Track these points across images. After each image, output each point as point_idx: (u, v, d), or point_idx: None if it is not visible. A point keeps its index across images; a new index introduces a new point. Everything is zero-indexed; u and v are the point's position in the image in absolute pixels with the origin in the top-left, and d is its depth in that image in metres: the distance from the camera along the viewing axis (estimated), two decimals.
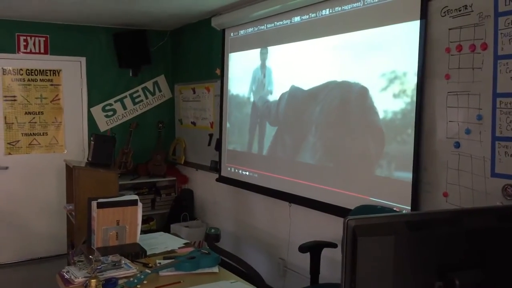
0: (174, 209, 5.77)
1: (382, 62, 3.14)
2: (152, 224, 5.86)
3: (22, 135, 5.39)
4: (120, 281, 2.49)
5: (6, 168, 5.31)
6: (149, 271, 2.56)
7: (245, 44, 4.57)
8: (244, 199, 4.73)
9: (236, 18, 4.55)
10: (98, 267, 2.51)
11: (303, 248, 3.14)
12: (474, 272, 1.28)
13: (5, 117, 5.29)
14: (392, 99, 3.06)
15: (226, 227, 5.11)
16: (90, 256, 2.59)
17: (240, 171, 4.65)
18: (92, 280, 2.35)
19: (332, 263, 3.50)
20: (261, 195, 4.35)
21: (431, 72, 2.82)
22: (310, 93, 3.77)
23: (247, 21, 4.47)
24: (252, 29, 4.46)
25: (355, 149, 3.34)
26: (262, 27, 4.32)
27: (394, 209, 2.97)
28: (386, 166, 3.09)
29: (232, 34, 4.76)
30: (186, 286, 2.49)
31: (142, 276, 2.50)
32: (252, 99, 4.51)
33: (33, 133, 5.45)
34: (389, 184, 3.06)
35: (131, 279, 2.48)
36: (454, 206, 2.69)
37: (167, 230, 5.45)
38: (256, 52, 4.42)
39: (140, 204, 3.09)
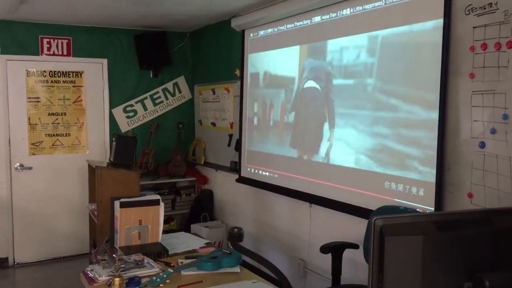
0: (194, 210, 5.80)
1: (404, 62, 3.11)
2: (172, 224, 5.90)
3: (46, 136, 5.48)
4: (143, 280, 2.52)
5: (30, 168, 5.40)
6: (172, 270, 2.58)
7: (264, 45, 4.58)
8: (264, 199, 4.74)
9: (255, 19, 4.55)
10: (122, 266, 2.53)
11: (324, 249, 3.12)
12: (503, 274, 1.26)
13: (29, 118, 5.39)
14: (415, 98, 3.03)
15: (246, 228, 5.09)
16: (114, 255, 2.61)
17: (260, 172, 4.66)
18: (116, 279, 2.37)
19: (354, 264, 3.48)
20: (281, 195, 4.35)
21: (455, 71, 2.79)
22: (329, 93, 3.75)
23: (267, 22, 4.47)
24: (272, 29, 4.46)
25: (376, 149, 3.31)
26: (282, 27, 4.32)
27: (417, 210, 2.94)
28: (409, 166, 3.06)
29: (251, 34, 4.77)
30: (208, 286, 2.50)
31: (165, 275, 2.52)
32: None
33: (56, 134, 5.53)
34: (411, 184, 3.03)
35: (154, 278, 2.50)
36: (479, 207, 2.65)
37: (187, 230, 5.48)
38: (274, 53, 4.42)
39: (162, 204, 3.12)
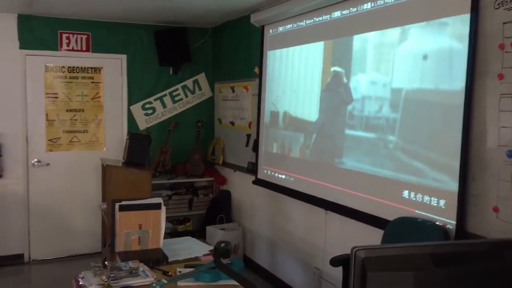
0: (211, 211, 5.65)
1: (428, 60, 2.85)
2: (188, 225, 5.78)
3: (63, 132, 5.43)
4: None
5: (47, 164, 5.37)
6: (165, 281, 2.42)
7: (283, 41, 4.37)
8: (280, 203, 4.54)
9: (275, 14, 4.35)
10: (112, 275, 2.39)
11: (335, 262, 2.91)
12: None
13: (47, 114, 5.35)
14: (439, 101, 2.77)
15: (262, 231, 4.94)
16: (106, 262, 2.48)
17: (276, 174, 4.46)
18: None
19: None
20: (297, 200, 4.14)
21: (481, 71, 2.52)
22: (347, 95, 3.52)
23: (286, 17, 4.27)
24: (291, 25, 4.25)
25: (397, 155, 3.06)
26: (301, 23, 4.10)
27: (437, 223, 2.68)
28: (430, 175, 2.80)
29: (271, 30, 4.57)
30: None
31: (158, 287, 2.36)
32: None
33: (74, 131, 5.48)
34: (431, 194, 2.77)
35: None
36: (505, 222, 2.38)
37: (203, 231, 5.35)
38: (293, 50, 4.21)
39: (163, 208, 2.97)
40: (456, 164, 2.61)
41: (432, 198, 2.77)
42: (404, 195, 2.97)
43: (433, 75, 2.83)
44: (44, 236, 5.34)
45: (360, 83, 3.43)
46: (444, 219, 2.67)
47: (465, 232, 2.58)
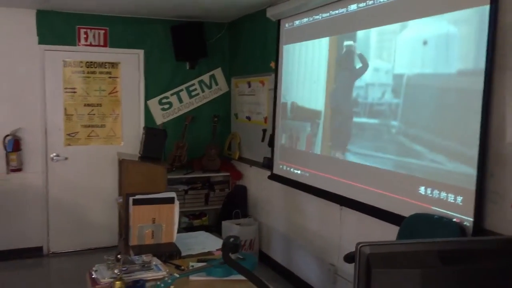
0: (227, 206, 5.65)
1: (445, 53, 2.79)
2: (204, 220, 5.79)
3: (81, 127, 5.49)
4: (148, 284, 2.37)
5: (66, 158, 5.43)
6: (178, 275, 2.41)
7: (299, 36, 4.33)
8: (296, 198, 4.51)
9: (291, 8, 4.31)
10: (124, 268, 2.40)
11: (348, 258, 2.86)
12: None
13: (65, 109, 5.41)
14: (456, 94, 2.70)
15: (277, 227, 4.92)
16: (119, 256, 2.48)
17: (292, 169, 4.43)
18: (117, 282, 2.24)
19: None
20: (312, 195, 4.10)
21: (501, 64, 2.44)
22: (366, 89, 3.46)
23: (302, 11, 4.22)
24: (307, 19, 4.20)
25: (413, 151, 3.00)
26: (317, 17, 4.05)
27: (454, 220, 2.62)
28: (446, 170, 2.74)
29: (287, 25, 4.53)
30: None
31: (170, 281, 2.35)
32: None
33: (92, 125, 5.53)
34: (448, 191, 2.71)
35: (158, 282, 2.35)
36: None
37: (219, 226, 5.35)
38: (310, 44, 4.16)
39: (177, 202, 2.97)
40: (474, 160, 2.54)
41: (449, 195, 2.71)
42: (420, 191, 2.91)
43: (457, 58, 2.77)
44: (63, 229, 5.41)
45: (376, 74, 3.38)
46: (461, 216, 2.61)
47: (483, 229, 2.52)
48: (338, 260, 3.83)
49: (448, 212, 2.70)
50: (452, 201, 2.69)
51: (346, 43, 3.68)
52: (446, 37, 2.81)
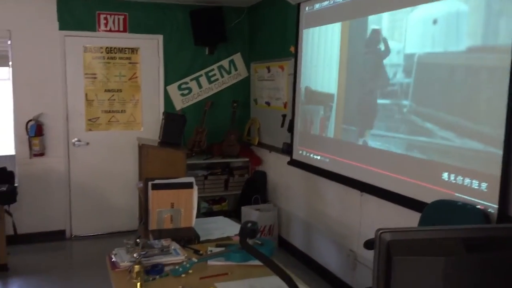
0: (246, 191, 5.65)
1: (472, 34, 2.70)
2: (224, 205, 5.80)
3: (102, 112, 5.53)
4: (167, 268, 2.38)
5: (87, 144, 5.48)
6: (196, 260, 2.41)
7: (320, 19, 4.25)
8: (315, 184, 4.47)
9: None
10: (143, 252, 2.41)
11: (369, 244, 2.83)
12: None
13: (86, 94, 5.45)
14: (480, 79, 2.62)
15: (297, 212, 4.90)
16: (137, 240, 2.50)
17: (311, 155, 4.39)
18: (136, 266, 2.25)
19: None
20: (332, 181, 4.06)
21: None
22: (390, 72, 3.38)
23: None
24: (328, 2, 4.12)
25: (437, 136, 2.93)
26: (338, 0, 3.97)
27: (478, 207, 2.56)
28: (470, 155, 2.67)
29: (307, 8, 4.45)
30: (234, 279, 2.32)
31: (188, 265, 2.36)
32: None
33: (112, 110, 5.57)
34: (472, 177, 2.64)
35: (177, 267, 2.36)
36: None
37: (238, 212, 5.36)
38: (330, 28, 4.08)
39: (195, 187, 2.96)
40: (500, 144, 2.47)
41: (473, 181, 2.64)
42: (443, 177, 2.85)
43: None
44: (85, 213, 5.48)
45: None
46: (486, 203, 2.55)
47: (508, 216, 2.46)
48: (358, 246, 3.80)
49: (472, 198, 2.63)
50: (476, 187, 2.62)
51: (371, 26, 3.60)
52: (456, 15, 2.73)
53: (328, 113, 4.10)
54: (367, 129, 3.59)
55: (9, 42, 5.09)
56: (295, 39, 4.63)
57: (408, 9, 3.17)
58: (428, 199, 2.88)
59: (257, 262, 2.45)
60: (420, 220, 2.80)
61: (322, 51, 4.25)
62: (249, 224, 1.64)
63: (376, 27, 3.52)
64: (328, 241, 4.31)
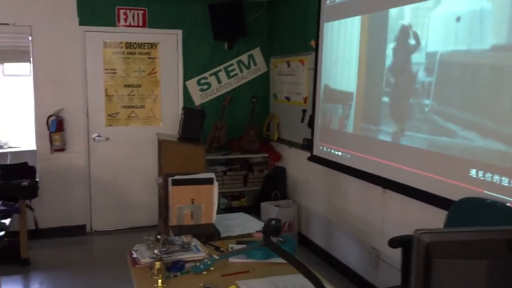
0: (266, 187, 5.61)
1: (496, 32, 2.60)
2: (243, 201, 5.77)
3: (121, 108, 5.53)
4: (187, 265, 2.35)
5: (107, 139, 5.49)
6: (217, 257, 2.38)
7: (340, 13, 4.16)
8: (336, 180, 4.40)
9: None
10: (164, 249, 2.38)
11: (393, 242, 2.76)
12: None
13: (106, 90, 5.46)
14: (504, 78, 2.52)
15: (317, 209, 4.84)
16: (158, 236, 2.47)
17: (332, 151, 4.32)
18: (157, 263, 2.22)
19: None
20: (354, 177, 3.99)
21: None
22: (418, 67, 3.29)
23: None
24: None
25: (463, 132, 2.84)
26: None
27: (508, 205, 2.47)
28: (500, 151, 2.57)
29: (328, 1, 4.37)
30: (255, 277, 2.27)
31: (209, 262, 2.33)
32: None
33: (132, 106, 5.57)
34: (502, 173, 2.55)
35: (198, 264, 2.32)
36: None
37: (257, 208, 5.32)
38: (350, 22, 4.00)
39: (216, 183, 2.93)
40: None
41: (503, 178, 2.55)
42: (471, 174, 2.76)
43: None
44: (104, 208, 5.51)
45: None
46: None
47: None
48: (381, 244, 3.73)
49: (502, 196, 2.54)
50: (506, 184, 2.53)
51: (392, 20, 3.51)
52: (480, 13, 2.63)
53: (347, 111, 4.02)
54: (389, 127, 3.51)
55: (30, 38, 5.12)
56: (316, 33, 4.56)
57: (431, 5, 3.07)
58: (455, 196, 2.80)
59: (279, 260, 2.41)
60: (447, 218, 2.72)
61: (342, 47, 4.17)
62: (273, 222, 1.60)
63: (400, 21, 3.43)
64: (349, 238, 4.24)
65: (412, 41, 3.28)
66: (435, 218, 2.94)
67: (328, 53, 4.38)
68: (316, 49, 4.55)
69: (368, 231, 3.93)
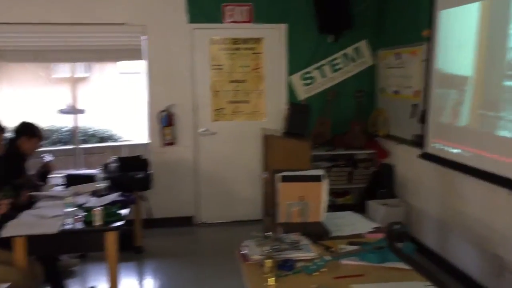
0: (372, 185, 5.39)
1: None
2: (348, 199, 5.61)
3: (226, 103, 5.63)
4: (297, 264, 2.29)
5: (214, 133, 5.62)
6: (330, 258, 2.30)
7: None
8: (452, 180, 4.09)
9: None
10: (275, 247, 2.34)
11: None
12: None
13: (212, 85, 5.58)
14: None
15: (428, 209, 4.55)
16: (267, 233, 2.44)
17: (447, 148, 4.01)
18: (268, 260, 2.19)
19: None
20: (474, 177, 3.67)
21: None
22: None
23: None
24: None
25: None
26: None
27: None
28: None
29: None
30: (370, 282, 2.15)
31: (322, 263, 2.25)
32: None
33: (237, 101, 5.64)
34: None
35: (310, 264, 2.26)
36: None
37: (362, 206, 5.14)
38: (468, 8, 3.66)
39: (325, 181, 2.84)
40: None
41: None
42: None
43: None
44: (211, 201, 5.65)
45: None
46: None
47: None
48: (506, 251, 3.39)
49: None
50: None
51: None
52: None
53: (463, 97, 3.69)
54: None
55: (143, 37, 5.37)
56: (429, 22, 4.26)
57: None
58: None
59: (395, 265, 2.26)
60: None
61: (458, 33, 3.83)
62: (398, 226, 1.47)
63: None
64: (467, 243, 3.92)
65: None
66: None
67: (443, 42, 4.06)
68: (430, 39, 4.25)
69: (490, 236, 3.60)
